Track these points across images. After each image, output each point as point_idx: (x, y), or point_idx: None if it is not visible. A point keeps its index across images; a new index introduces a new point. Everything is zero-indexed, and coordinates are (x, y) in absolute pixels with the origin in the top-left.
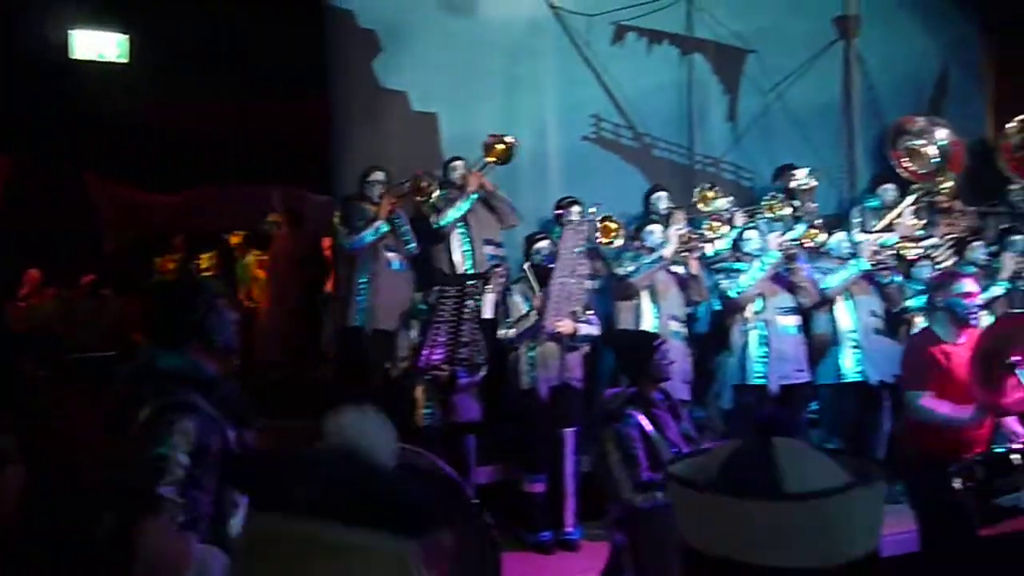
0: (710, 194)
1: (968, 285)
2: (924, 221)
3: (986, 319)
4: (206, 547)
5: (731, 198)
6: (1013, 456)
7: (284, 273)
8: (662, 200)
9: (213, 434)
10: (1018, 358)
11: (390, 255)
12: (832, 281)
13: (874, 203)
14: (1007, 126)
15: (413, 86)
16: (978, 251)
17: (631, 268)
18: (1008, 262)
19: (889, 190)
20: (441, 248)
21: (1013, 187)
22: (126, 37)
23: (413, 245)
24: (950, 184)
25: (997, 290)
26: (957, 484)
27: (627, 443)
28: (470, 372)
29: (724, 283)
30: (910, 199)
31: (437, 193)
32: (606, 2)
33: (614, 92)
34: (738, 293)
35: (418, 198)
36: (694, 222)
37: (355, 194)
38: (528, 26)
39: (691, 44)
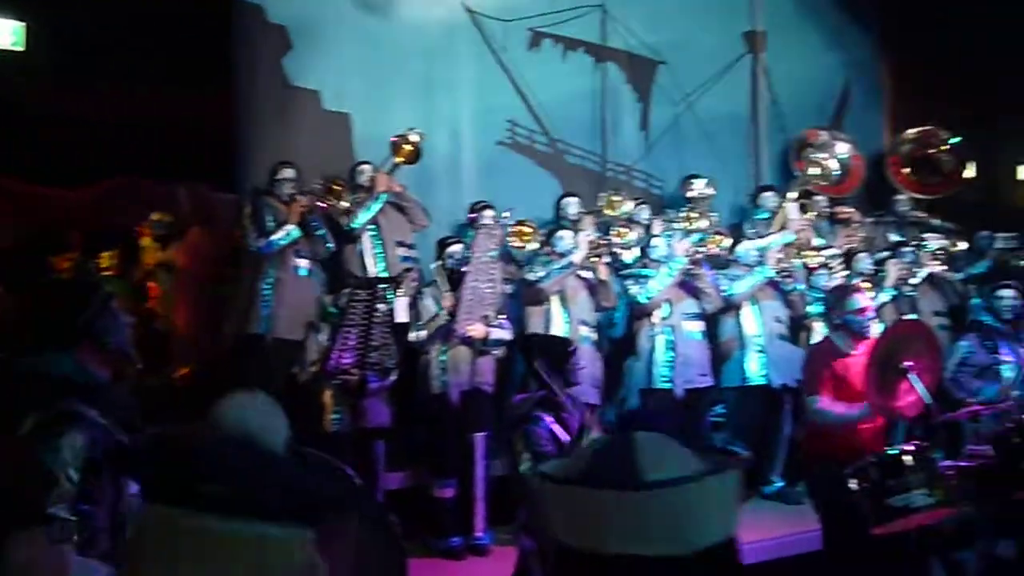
0: (616, 199)
1: (861, 301)
2: (814, 215)
3: (876, 326)
4: (83, 560)
5: (643, 204)
6: (905, 457)
7: (197, 274)
8: (572, 206)
9: (103, 444)
10: (910, 363)
11: (299, 261)
12: (739, 288)
13: (762, 215)
14: (896, 139)
15: (325, 85)
16: (864, 262)
17: (541, 273)
18: (892, 270)
19: (769, 198)
20: (352, 250)
21: (900, 197)
22: (22, 25)
23: (331, 245)
24: (818, 173)
25: (884, 297)
26: (853, 485)
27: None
28: (380, 376)
29: (633, 289)
30: (791, 196)
31: (347, 200)
32: (522, 8)
33: (529, 98)
34: (647, 299)
35: (329, 200)
36: (603, 227)
37: (264, 190)
38: (444, 29)
39: (605, 53)
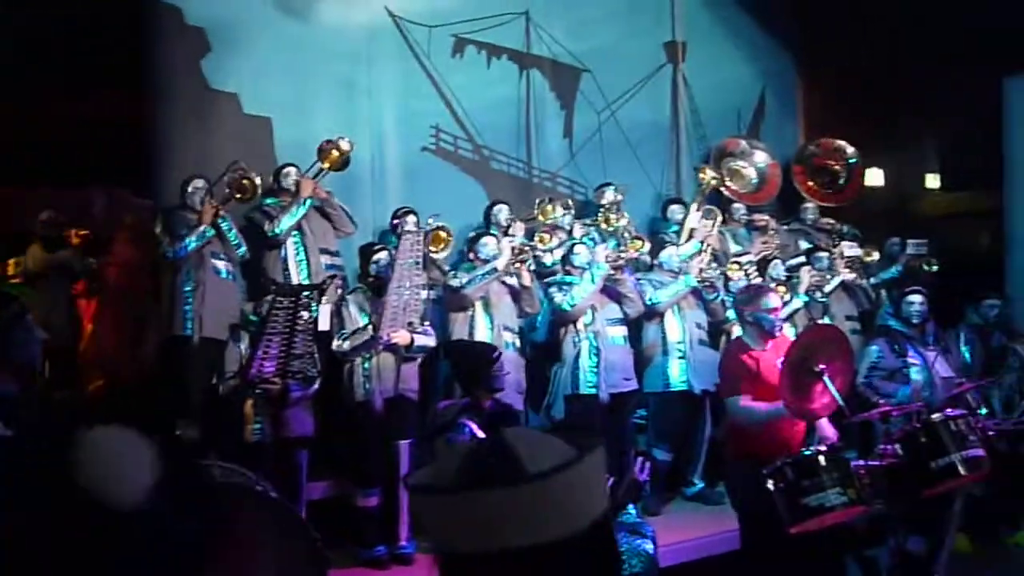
0: (549, 208)
1: (772, 300)
2: (718, 220)
3: (789, 330)
4: None
5: (571, 211)
6: (819, 458)
7: (121, 284)
8: (502, 212)
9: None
10: (824, 366)
11: (218, 262)
12: (662, 296)
13: (671, 227)
14: (801, 149)
15: (245, 88)
16: (777, 268)
17: (465, 279)
18: (805, 277)
19: (675, 210)
20: (275, 257)
21: (807, 205)
22: None
23: (244, 249)
24: (714, 178)
25: (797, 303)
26: (770, 485)
27: None
28: (303, 385)
29: (558, 296)
30: (694, 205)
31: (271, 199)
32: (446, 14)
33: (454, 104)
34: (572, 306)
35: (238, 196)
36: (531, 234)
37: (177, 204)
38: (367, 33)
39: (529, 60)
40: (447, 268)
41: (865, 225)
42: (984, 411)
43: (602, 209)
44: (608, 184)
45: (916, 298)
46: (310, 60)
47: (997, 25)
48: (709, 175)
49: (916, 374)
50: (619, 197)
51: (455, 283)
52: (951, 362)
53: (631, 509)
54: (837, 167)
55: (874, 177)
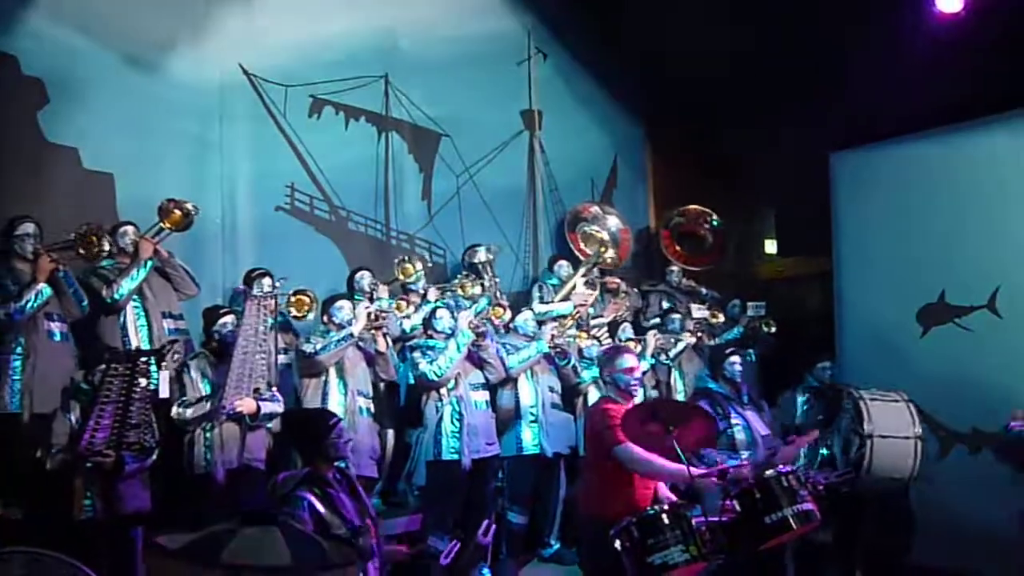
0: (409, 266)
1: (629, 360)
2: (596, 292)
3: (639, 390)
4: None
5: (430, 269)
6: (664, 516)
7: None
8: (366, 279)
9: None
10: (675, 431)
11: (51, 324)
12: (515, 361)
13: (553, 280)
14: (667, 215)
15: (86, 142)
16: (627, 331)
17: (319, 345)
18: (651, 341)
19: (563, 266)
20: (112, 322)
21: (673, 268)
22: None
23: (85, 303)
24: (611, 254)
25: (644, 365)
26: (617, 545)
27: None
28: (139, 457)
29: (423, 364)
30: (581, 271)
31: (106, 260)
32: (303, 74)
33: (310, 163)
34: (439, 376)
35: (81, 252)
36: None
37: (2, 251)
38: (220, 90)
39: (388, 123)
40: (299, 332)
41: (718, 288)
42: (825, 453)
43: (459, 276)
44: (479, 245)
45: (735, 359)
46: (158, 115)
47: (823, 105)
48: (606, 251)
49: (739, 433)
50: (491, 257)
51: (308, 348)
52: (764, 419)
53: (485, 572)
54: (703, 232)
55: (729, 244)
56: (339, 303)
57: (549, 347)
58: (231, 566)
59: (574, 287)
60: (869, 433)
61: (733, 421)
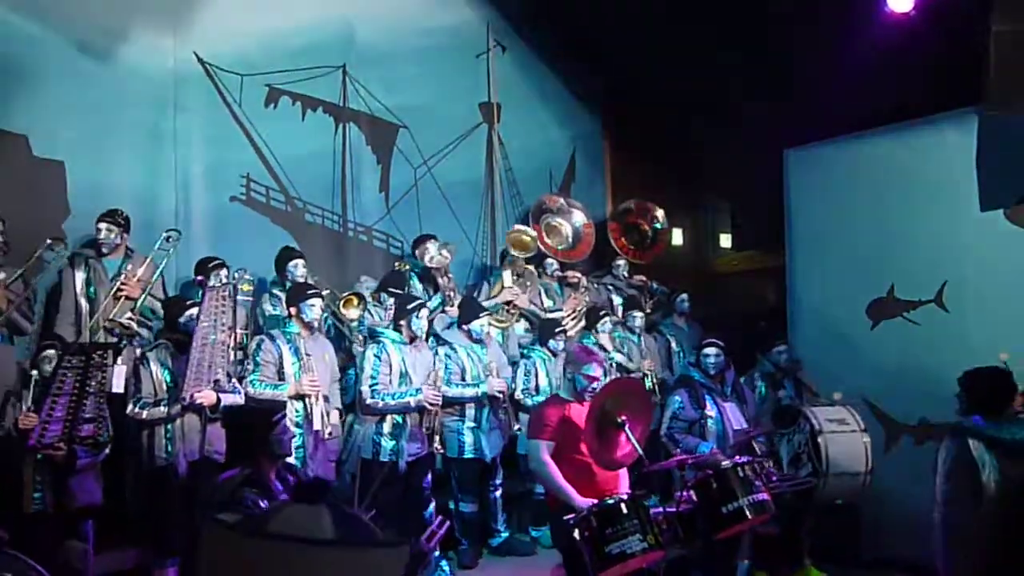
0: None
1: (594, 369)
2: (527, 287)
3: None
4: None
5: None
6: (622, 505)
7: None
8: (299, 268)
9: None
10: (625, 418)
11: None
12: (452, 389)
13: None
14: (615, 208)
15: (36, 129)
16: (606, 325)
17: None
18: (604, 340)
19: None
20: (66, 313)
21: (619, 262)
22: None
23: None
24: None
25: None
26: (576, 535)
27: None
28: (92, 452)
29: (365, 388)
30: (508, 268)
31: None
32: (259, 64)
33: (266, 154)
34: (374, 407)
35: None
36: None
37: None
38: (175, 78)
39: (346, 114)
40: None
41: (668, 281)
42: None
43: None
44: (430, 236)
45: (711, 350)
46: (110, 103)
47: (778, 102)
48: (529, 238)
49: (712, 424)
50: (447, 259)
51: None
52: (745, 412)
53: (444, 566)
54: (645, 227)
55: (674, 236)
56: (311, 301)
57: (490, 394)
58: (277, 536)
59: (502, 286)
60: (823, 472)
61: (707, 412)
